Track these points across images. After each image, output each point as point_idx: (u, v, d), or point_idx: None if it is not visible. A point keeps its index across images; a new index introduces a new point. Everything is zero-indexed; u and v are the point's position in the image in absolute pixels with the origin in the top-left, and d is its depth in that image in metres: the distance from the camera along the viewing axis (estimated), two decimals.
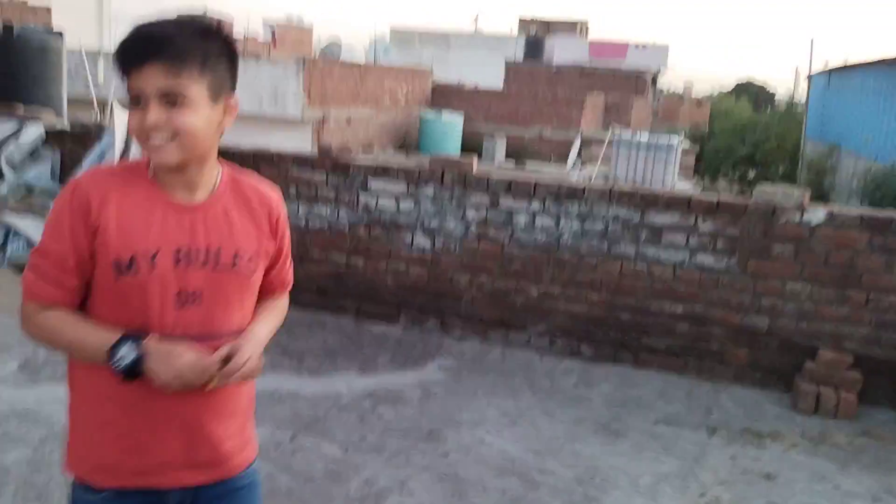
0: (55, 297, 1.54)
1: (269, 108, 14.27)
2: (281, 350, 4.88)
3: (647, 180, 13.51)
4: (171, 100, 1.45)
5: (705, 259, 4.77)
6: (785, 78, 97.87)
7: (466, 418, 4.05)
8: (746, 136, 21.73)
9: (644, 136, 14.89)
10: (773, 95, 30.53)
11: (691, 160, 18.73)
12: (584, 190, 5.06)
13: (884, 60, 16.64)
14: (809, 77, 21.80)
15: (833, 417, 4.36)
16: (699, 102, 28.92)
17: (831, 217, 4.54)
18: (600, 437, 4.01)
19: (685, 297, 4.84)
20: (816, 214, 4.55)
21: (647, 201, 4.87)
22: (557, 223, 5.07)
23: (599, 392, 4.59)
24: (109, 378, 1.51)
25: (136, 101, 1.47)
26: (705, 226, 4.76)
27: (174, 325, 1.54)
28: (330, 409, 4.13)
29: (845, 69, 19.18)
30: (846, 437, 4.17)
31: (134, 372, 1.49)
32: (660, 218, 4.85)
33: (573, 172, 15.64)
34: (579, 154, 17.97)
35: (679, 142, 14.28)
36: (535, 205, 5.11)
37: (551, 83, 24.73)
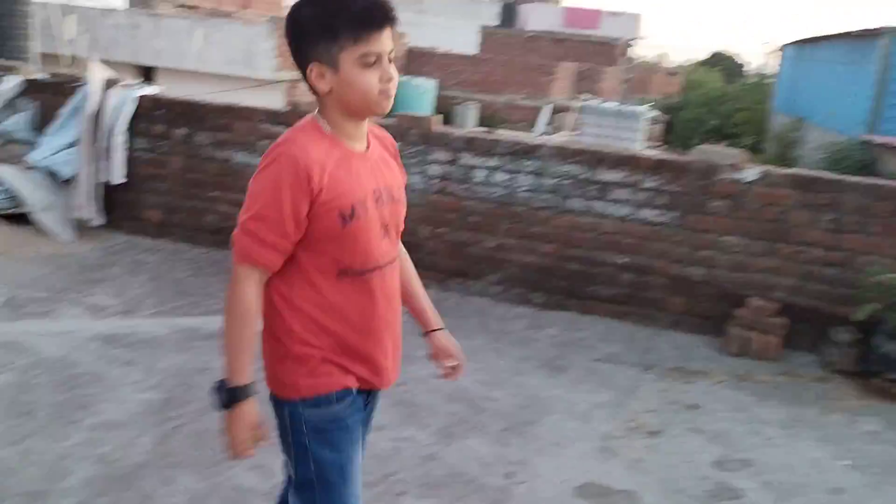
0: (272, 260, 1.75)
1: (241, 68, 14.40)
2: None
3: (612, 147, 13.89)
4: (390, 58, 1.74)
5: (648, 213, 5.18)
6: (757, 50, 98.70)
7: (422, 355, 4.44)
8: (717, 108, 22.20)
9: (612, 104, 15.24)
10: (741, 67, 31.02)
11: (661, 130, 19.14)
12: (539, 147, 5.42)
13: (848, 33, 17.10)
14: (779, 49, 22.25)
15: (758, 359, 4.81)
16: (671, 73, 29.39)
17: (764, 175, 4.96)
18: (544, 372, 4.43)
19: (629, 249, 5.25)
20: (750, 173, 4.97)
21: (597, 159, 5.26)
22: (514, 178, 5.43)
23: (546, 335, 5.00)
24: (331, 297, 1.81)
25: (369, 61, 1.70)
26: (649, 182, 5.15)
27: (381, 255, 1.85)
28: None
29: (813, 41, 19.62)
30: (768, 376, 4.62)
31: (213, 404, 1.81)
32: (608, 175, 5.24)
33: (545, 139, 15.97)
34: (550, 121, 18.30)
35: (646, 111, 14.63)
36: (494, 161, 5.46)
37: (525, 50, 24.96)
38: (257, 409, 1.79)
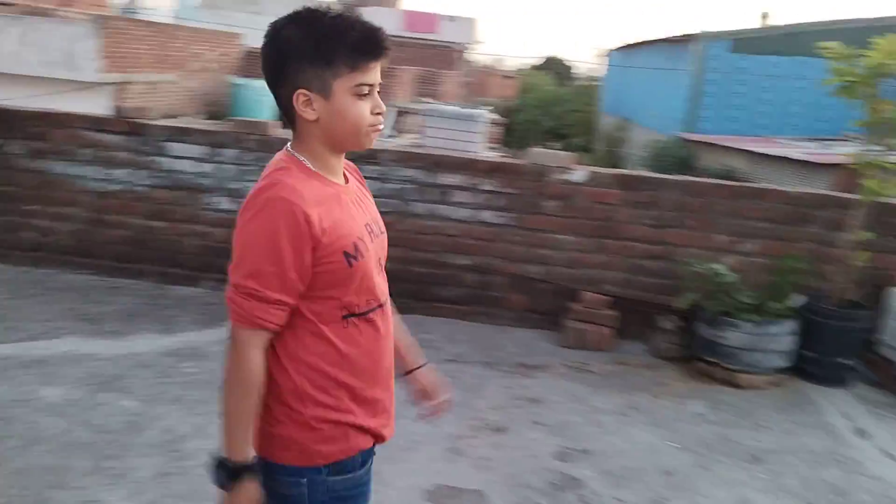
0: (278, 318, 1.58)
1: (62, 70, 13.41)
2: (76, 315, 4.87)
3: (454, 150, 14.15)
4: (377, 90, 1.64)
5: (488, 215, 5.31)
6: (586, 55, 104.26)
7: None
8: (551, 110, 23.23)
9: (453, 108, 15.52)
10: (570, 70, 32.63)
11: (500, 132, 19.72)
12: (381, 152, 5.41)
13: (665, 39, 18.38)
14: (605, 54, 23.56)
15: (594, 350, 5.04)
16: (507, 76, 30.41)
17: (591, 176, 5.21)
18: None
19: (472, 251, 5.35)
20: (579, 174, 5.20)
21: (436, 163, 5.32)
22: None
23: None
24: (340, 346, 1.64)
25: (362, 91, 1.59)
26: (487, 185, 5.28)
27: (381, 292, 1.72)
28: (130, 367, 4.23)
29: (635, 47, 20.97)
30: (603, 366, 4.86)
31: (217, 482, 1.61)
32: (448, 178, 5.32)
33: (387, 143, 15.99)
34: (395, 125, 18.37)
35: (485, 113, 15.01)
36: None
37: None
38: (259, 487, 1.63)
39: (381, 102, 1.65)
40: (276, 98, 1.63)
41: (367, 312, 1.68)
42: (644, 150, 16.60)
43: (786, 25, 16.37)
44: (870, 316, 4.93)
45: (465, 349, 4.94)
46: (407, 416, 3.90)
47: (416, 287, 5.41)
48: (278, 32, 1.58)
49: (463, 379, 4.47)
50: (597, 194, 5.20)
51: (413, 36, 25.84)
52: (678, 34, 17.43)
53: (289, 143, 1.68)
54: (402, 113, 18.78)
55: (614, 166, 18.24)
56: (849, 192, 5.18)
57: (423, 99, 18.25)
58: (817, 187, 14.78)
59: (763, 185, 5.30)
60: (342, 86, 1.58)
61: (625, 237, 5.22)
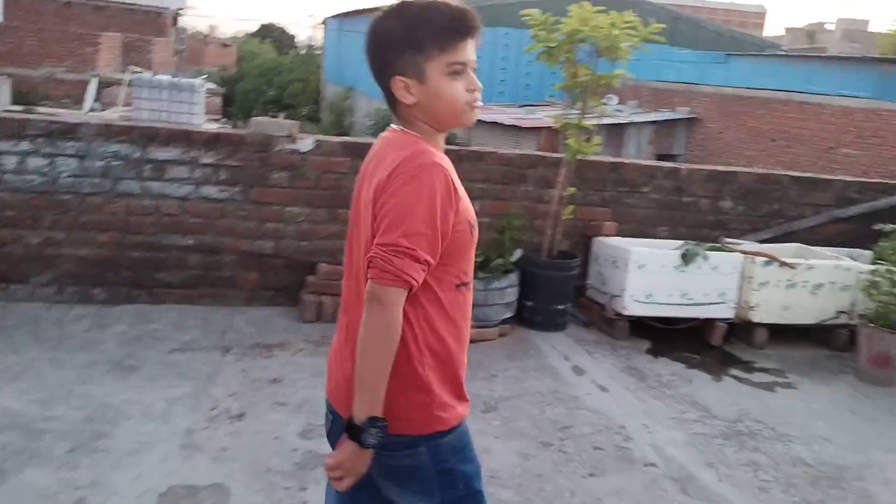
0: (421, 279, 1.60)
1: None
2: None
3: (171, 122, 13.23)
4: (473, 68, 1.71)
5: (210, 190, 4.97)
6: (304, 22, 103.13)
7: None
8: (273, 79, 22.60)
9: (165, 78, 14.45)
10: (293, 38, 32.03)
11: (219, 102, 18.80)
12: (79, 126, 4.82)
13: (381, 7, 18.62)
14: (322, 22, 23.35)
15: (331, 321, 4.96)
16: (225, 44, 29.02)
17: (318, 145, 5.08)
18: (113, 375, 3.99)
19: (195, 230, 4.99)
20: (305, 143, 5.05)
21: (147, 137, 4.85)
22: (53, 163, 4.76)
23: (113, 333, 4.52)
24: (450, 312, 1.70)
25: (456, 70, 1.66)
26: (207, 158, 4.93)
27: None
28: None
29: (354, 14, 21.02)
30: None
31: (364, 444, 1.61)
32: (162, 153, 4.88)
33: (89, 116, 14.53)
34: (99, 97, 16.72)
35: (202, 83, 14.16)
36: (26, 145, 4.71)
37: (60, 18, 22.33)
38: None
39: (476, 79, 1.72)
40: (379, 86, 1.71)
41: (467, 284, 1.75)
42: (370, 118, 16.80)
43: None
44: (579, 264, 5.39)
45: (197, 335, 4.61)
46: (132, 415, 3.59)
47: (134, 274, 4.94)
48: (377, 26, 1.68)
49: (195, 368, 4.17)
50: (325, 163, 5.09)
51: (116, 0, 23.61)
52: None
53: (394, 126, 1.75)
54: (106, 84, 17.16)
55: (342, 135, 18.30)
56: (553, 151, 5.59)
57: (132, 68, 16.78)
58: (526, 149, 16.03)
59: (482, 147, 5.54)
60: (435, 68, 1.65)
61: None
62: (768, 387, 4.76)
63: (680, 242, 5.38)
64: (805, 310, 5.32)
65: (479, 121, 7.42)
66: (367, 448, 1.61)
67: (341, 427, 1.67)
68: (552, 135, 17.27)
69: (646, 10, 20.77)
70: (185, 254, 5.00)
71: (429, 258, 1.59)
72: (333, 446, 1.75)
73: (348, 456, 1.63)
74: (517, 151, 5.64)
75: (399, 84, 1.66)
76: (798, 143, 15.20)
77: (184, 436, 3.47)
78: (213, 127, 8.74)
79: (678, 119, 17.28)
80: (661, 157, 17.78)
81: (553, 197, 5.19)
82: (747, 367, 5.04)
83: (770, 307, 5.28)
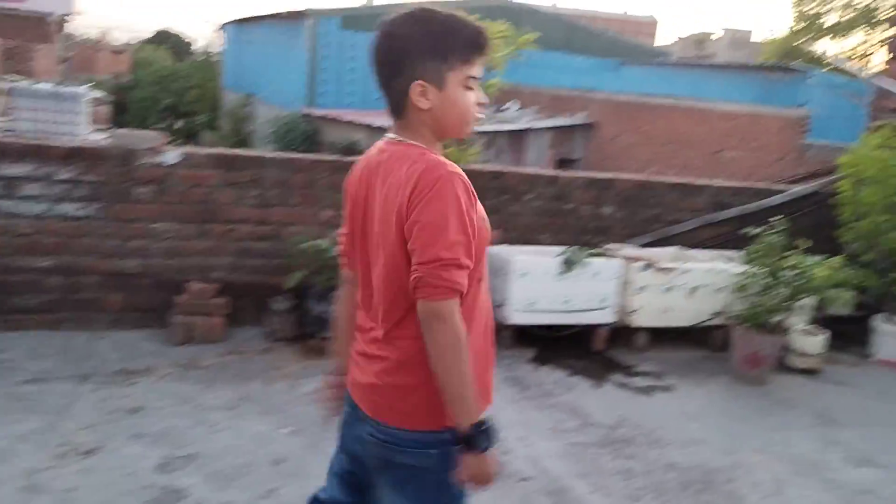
0: (466, 284, 1.65)
1: None
2: None
3: (54, 133, 12.54)
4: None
5: (69, 208, 4.64)
6: (202, 29, 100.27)
7: None
8: (170, 86, 21.79)
9: (47, 86, 13.69)
10: (189, 45, 31.06)
11: (108, 111, 17.97)
12: None
13: (279, 14, 18.24)
14: (220, 28, 22.71)
15: (205, 343, 4.72)
16: (118, 51, 27.87)
17: (186, 157, 4.82)
18: None
19: (52, 250, 4.65)
20: (171, 155, 4.78)
21: None
22: None
23: None
24: (481, 308, 1.81)
25: (470, 84, 1.75)
26: (64, 174, 4.60)
27: None
28: None
29: (251, 21, 20.48)
30: (213, 359, 4.56)
31: (478, 448, 1.69)
32: (13, 169, 4.52)
33: None
34: None
35: (87, 91, 13.48)
36: None
37: None
38: None
39: (483, 94, 1.82)
40: (387, 88, 1.75)
41: (484, 276, 1.83)
42: (269, 126, 16.38)
43: (390, 4, 17.27)
44: None
45: (53, 364, 4.28)
46: None
47: None
48: (396, 29, 1.72)
49: (47, 400, 3.86)
50: (193, 176, 4.83)
51: None
52: (291, 10, 17.41)
53: (396, 135, 1.78)
54: None
55: (241, 143, 17.77)
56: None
57: (11, 76, 15.81)
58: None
59: (352, 158, 5.37)
60: (455, 78, 1.73)
61: (228, 220, 4.94)
62: (647, 391, 4.79)
63: (562, 249, 5.38)
64: (683, 312, 5.40)
65: (382, 128, 7.28)
66: (483, 451, 1.70)
67: (357, 418, 1.85)
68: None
69: (544, 20, 21.12)
70: (43, 276, 4.65)
71: (469, 263, 1.66)
72: (346, 435, 1.95)
73: (472, 466, 1.71)
74: None
75: (418, 88, 1.71)
76: (688, 147, 15.67)
77: (25, 477, 3.18)
78: (99, 137, 8.26)
79: (576, 125, 17.59)
80: (560, 162, 18.03)
81: None
82: (628, 371, 5.07)
83: (649, 311, 5.34)
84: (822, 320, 5.65)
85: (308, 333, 4.83)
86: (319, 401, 2.15)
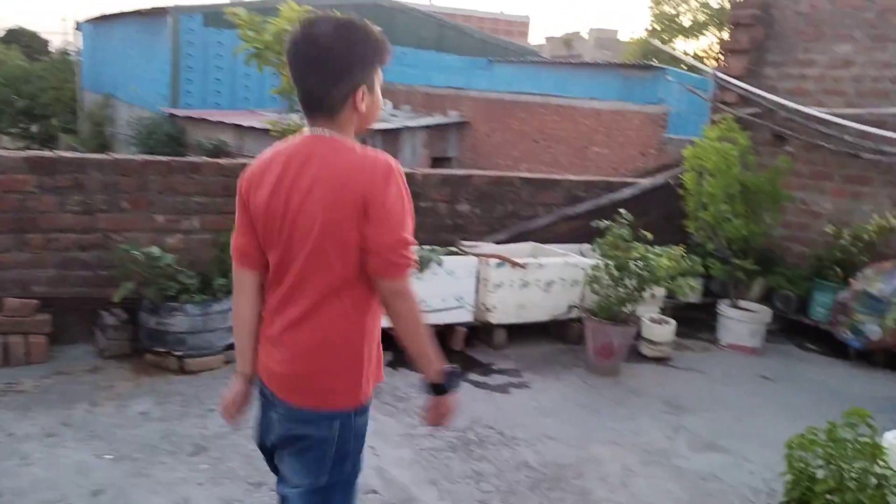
0: None
1: None
2: None
3: None
4: None
5: None
6: (59, 27, 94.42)
7: None
8: (23, 88, 20.27)
9: None
10: (46, 44, 29.07)
11: None
12: None
13: (140, 11, 17.27)
14: (77, 27, 21.33)
15: (25, 364, 4.26)
16: None
17: None
18: None
19: None
20: None
21: None
22: None
23: None
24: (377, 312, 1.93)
25: (373, 87, 1.88)
26: None
27: None
28: None
29: (110, 18, 19.30)
30: (34, 381, 4.12)
31: (450, 391, 2.00)
32: None
33: None
34: None
35: None
36: None
37: None
38: None
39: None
40: (324, 93, 1.81)
41: None
42: (132, 127, 15.47)
43: (253, 1, 16.68)
44: None
45: None
46: None
47: None
48: (332, 38, 1.79)
49: None
50: (6, 182, 4.34)
51: None
52: (152, 6, 16.52)
53: (322, 130, 1.83)
54: None
55: (102, 147, 16.70)
56: None
57: None
58: None
59: (197, 158, 5.02)
60: (377, 80, 1.90)
61: (49, 228, 4.48)
62: (503, 388, 4.69)
63: (417, 248, 5.21)
64: (539, 307, 5.35)
65: (250, 128, 6.77)
66: (455, 392, 2.00)
67: (284, 415, 1.91)
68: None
69: (417, 19, 21.05)
70: None
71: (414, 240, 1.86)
72: (264, 431, 2.01)
73: (441, 406, 2.00)
74: (238, 161, 5.18)
75: (361, 93, 1.84)
76: (557, 143, 15.95)
77: None
78: None
79: (450, 123, 17.59)
80: (435, 160, 17.98)
81: None
82: (486, 369, 4.97)
83: (506, 307, 5.26)
84: (672, 308, 5.76)
85: (142, 349, 4.45)
86: (227, 409, 2.09)
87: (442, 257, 5.06)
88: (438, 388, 1.97)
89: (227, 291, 4.52)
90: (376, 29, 1.86)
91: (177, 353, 4.35)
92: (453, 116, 17.64)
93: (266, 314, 1.96)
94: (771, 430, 4.34)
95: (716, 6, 27.32)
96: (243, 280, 2.00)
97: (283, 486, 1.99)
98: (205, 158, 5.03)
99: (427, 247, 5.17)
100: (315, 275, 1.82)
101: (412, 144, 17.04)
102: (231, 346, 4.53)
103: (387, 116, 17.80)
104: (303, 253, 1.81)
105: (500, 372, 4.94)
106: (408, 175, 5.61)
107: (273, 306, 1.92)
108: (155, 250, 4.38)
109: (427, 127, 17.19)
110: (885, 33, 5.86)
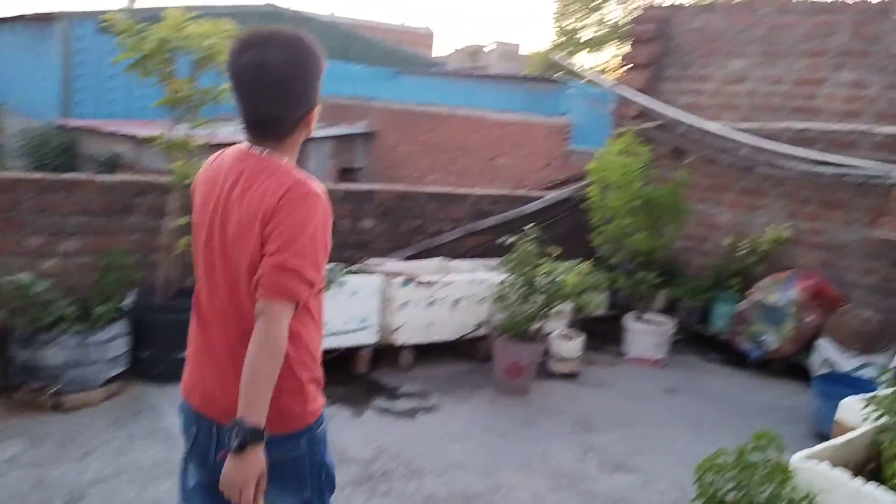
0: (306, 296, 1.73)
1: None
2: None
3: None
4: None
5: None
6: None
7: None
8: None
9: None
10: None
11: None
12: None
13: (26, 16, 16.26)
14: None
15: None
16: None
17: None
18: None
19: None
20: None
21: None
22: None
23: None
24: (314, 315, 1.86)
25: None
26: None
27: None
28: None
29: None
30: None
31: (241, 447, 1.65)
32: None
33: None
34: None
35: None
36: None
37: None
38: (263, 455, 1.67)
39: None
40: (279, 120, 1.78)
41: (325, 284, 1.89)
42: (22, 138, 14.48)
43: (152, 8, 15.95)
44: None
45: None
46: None
47: None
48: (292, 61, 1.75)
49: None
50: None
51: None
52: (40, 12, 15.56)
53: (262, 151, 1.79)
54: None
55: None
56: None
57: None
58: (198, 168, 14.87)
59: (76, 175, 4.58)
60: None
61: None
62: (410, 414, 4.47)
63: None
64: (447, 325, 5.17)
65: (148, 139, 6.15)
66: (251, 456, 1.65)
67: (214, 435, 1.82)
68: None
69: (321, 28, 20.67)
70: None
71: (314, 278, 1.72)
72: (201, 456, 1.87)
73: (232, 464, 1.66)
74: (120, 177, 4.78)
75: (313, 114, 1.82)
76: (465, 154, 15.93)
77: None
78: None
79: (357, 133, 17.31)
80: (343, 172, 17.63)
81: (166, 228, 4.43)
82: (392, 394, 4.73)
83: (413, 327, 5.05)
84: (580, 322, 5.69)
85: (13, 385, 4.00)
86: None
87: (344, 277, 4.81)
88: (253, 435, 1.65)
89: (110, 319, 4.13)
90: (314, 40, 1.81)
91: (52, 389, 3.92)
92: (360, 127, 17.37)
93: (199, 334, 1.95)
94: (679, 446, 4.30)
95: (613, 21, 28.04)
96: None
97: None
98: (82, 175, 4.60)
99: (328, 265, 4.91)
100: (242, 297, 1.78)
101: (318, 155, 16.66)
102: (115, 378, 4.16)
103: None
104: (226, 275, 1.80)
105: (408, 395, 4.72)
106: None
107: (203, 328, 1.91)
108: (25, 277, 3.95)
109: (334, 137, 16.85)
110: (776, 49, 6.00)
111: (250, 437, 1.64)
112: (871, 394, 3.45)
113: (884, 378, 3.56)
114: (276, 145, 1.79)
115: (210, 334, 1.85)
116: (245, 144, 1.81)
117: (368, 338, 4.94)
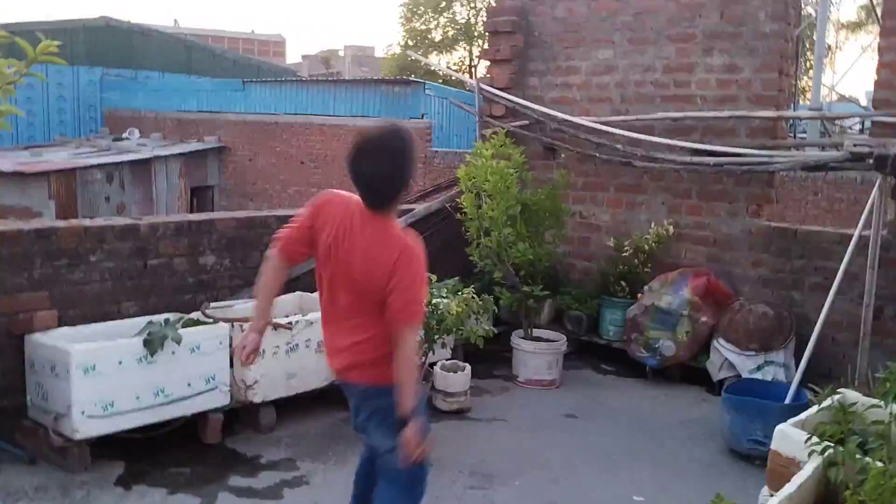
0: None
1: None
2: None
3: None
4: None
5: None
6: None
7: None
8: None
9: None
10: None
11: None
12: None
13: None
14: None
15: None
16: None
17: None
18: None
19: None
20: None
21: None
22: None
23: None
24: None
25: None
26: None
27: None
28: None
29: None
30: None
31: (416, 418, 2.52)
32: None
33: None
34: None
35: None
36: None
37: None
38: None
39: None
40: (391, 198, 2.52)
41: None
42: None
43: (20, 23, 14.04)
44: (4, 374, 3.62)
45: None
46: None
47: None
48: (403, 146, 2.50)
49: None
50: None
51: None
52: None
53: (378, 215, 2.51)
54: None
55: None
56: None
57: None
58: (36, 198, 13.01)
59: None
60: None
61: None
62: (275, 492, 3.57)
63: (145, 323, 3.94)
64: (312, 373, 4.29)
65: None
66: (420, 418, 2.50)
67: (361, 393, 2.65)
68: (67, 180, 14.54)
69: (161, 41, 18.98)
70: None
71: (424, 306, 2.86)
72: (358, 408, 2.70)
73: (411, 431, 2.43)
74: None
75: (409, 186, 2.57)
76: (325, 164, 15.00)
77: None
78: None
79: (208, 149, 15.94)
80: (195, 190, 16.17)
81: None
82: (251, 466, 3.81)
83: (272, 380, 4.14)
84: (463, 346, 4.98)
85: None
86: (247, 355, 2.64)
87: (180, 331, 3.84)
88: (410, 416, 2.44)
89: None
90: (410, 135, 2.55)
91: None
92: (211, 142, 15.98)
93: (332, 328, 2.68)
94: (593, 492, 3.66)
95: (462, 21, 27.79)
96: (276, 263, 2.68)
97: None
98: None
99: (158, 318, 3.93)
100: (365, 313, 2.54)
101: (166, 175, 15.16)
102: None
103: (133, 146, 15.74)
104: (351, 295, 2.54)
105: (270, 466, 3.81)
106: (130, 227, 4.31)
107: (333, 325, 2.67)
108: None
109: (182, 155, 15.39)
110: (644, 36, 5.52)
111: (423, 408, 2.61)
112: (802, 417, 2.97)
113: (815, 399, 3.05)
114: (388, 211, 2.52)
115: (334, 329, 2.64)
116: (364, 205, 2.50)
117: (218, 400, 3.99)
